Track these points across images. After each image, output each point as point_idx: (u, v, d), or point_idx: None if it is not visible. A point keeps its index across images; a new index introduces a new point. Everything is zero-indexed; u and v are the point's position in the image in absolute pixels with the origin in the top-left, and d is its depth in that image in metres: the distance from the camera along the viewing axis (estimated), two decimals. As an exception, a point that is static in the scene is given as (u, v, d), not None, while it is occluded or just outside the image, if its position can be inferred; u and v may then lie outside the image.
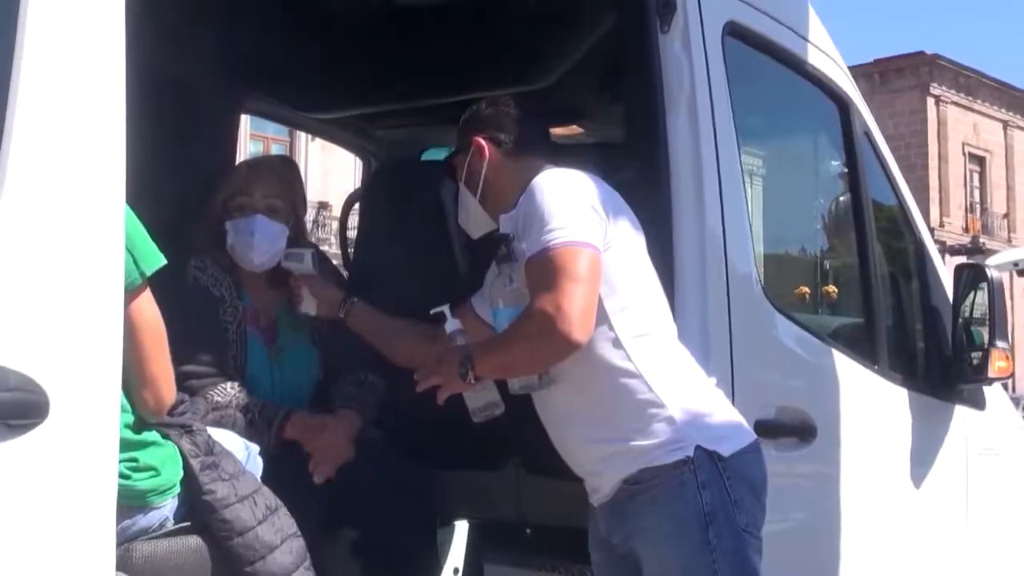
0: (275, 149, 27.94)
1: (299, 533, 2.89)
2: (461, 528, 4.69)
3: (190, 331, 3.14)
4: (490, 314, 3.15)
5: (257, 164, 3.85)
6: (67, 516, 2.01)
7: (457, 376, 2.97)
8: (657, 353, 2.97)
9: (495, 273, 3.12)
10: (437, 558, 4.44)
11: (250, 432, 3.38)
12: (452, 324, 3.18)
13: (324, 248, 4.77)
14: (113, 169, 2.12)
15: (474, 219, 3.32)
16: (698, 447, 2.88)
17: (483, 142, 3.27)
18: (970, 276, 4.29)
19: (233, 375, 3.50)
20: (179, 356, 2.73)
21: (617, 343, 2.92)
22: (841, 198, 4.36)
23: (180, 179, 3.91)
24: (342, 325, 3.71)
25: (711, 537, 2.85)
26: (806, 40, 3.96)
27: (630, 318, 2.94)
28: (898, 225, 4.46)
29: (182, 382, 2.78)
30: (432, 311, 3.20)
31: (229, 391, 3.43)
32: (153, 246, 2.49)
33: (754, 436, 3.06)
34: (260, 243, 3.56)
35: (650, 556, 2.93)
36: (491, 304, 3.12)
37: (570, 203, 2.93)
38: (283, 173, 3.76)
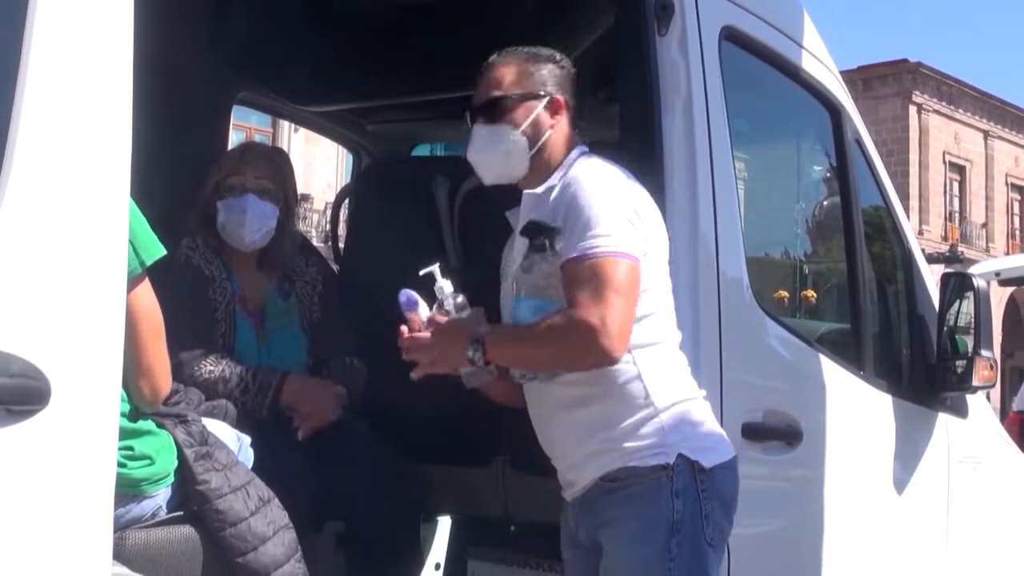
0: (258, 139, 27.84)
1: (291, 525, 2.90)
2: (444, 523, 4.70)
3: (181, 308, 3.15)
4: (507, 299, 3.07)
5: (250, 147, 3.98)
6: (65, 503, 2.01)
7: (462, 356, 2.92)
8: (661, 360, 2.98)
9: (519, 259, 3.04)
10: (420, 553, 4.46)
11: (244, 399, 3.43)
12: (444, 286, 3.04)
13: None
14: (118, 159, 2.12)
15: (502, 167, 3.11)
16: (680, 455, 2.91)
17: (563, 102, 3.13)
18: (956, 284, 4.32)
19: (222, 353, 3.55)
20: (169, 331, 2.73)
21: (628, 348, 2.90)
22: (831, 203, 4.38)
23: (172, 168, 3.93)
24: (330, 313, 3.79)
25: (673, 545, 2.87)
26: (801, 46, 3.98)
27: (647, 326, 2.95)
28: (886, 232, 4.49)
29: (172, 357, 2.75)
30: (421, 272, 3.07)
31: (220, 361, 3.47)
32: (153, 236, 2.49)
33: (734, 452, 3.07)
34: (251, 221, 3.65)
35: (611, 550, 2.95)
36: (511, 290, 3.06)
37: (618, 208, 2.91)
38: (274, 159, 3.87)
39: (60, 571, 2.00)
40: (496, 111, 3.06)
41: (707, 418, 3.06)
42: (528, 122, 3.05)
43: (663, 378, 2.97)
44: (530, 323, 2.94)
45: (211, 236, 3.69)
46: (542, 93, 3.09)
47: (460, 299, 3.00)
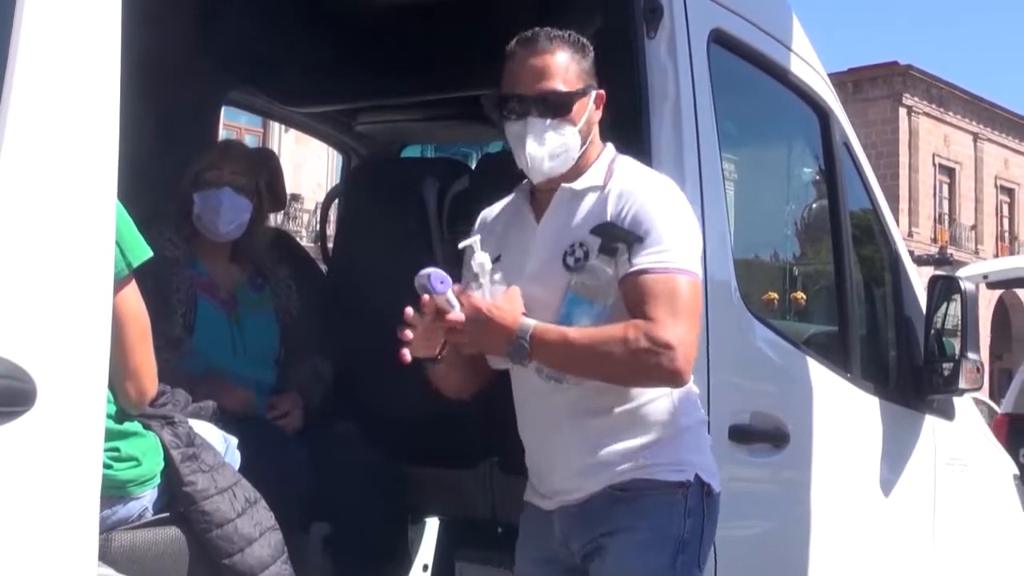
0: (248, 140, 27.75)
1: (277, 527, 2.90)
2: (432, 525, 4.70)
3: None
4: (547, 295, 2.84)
5: (230, 144, 4.25)
6: (51, 504, 2.01)
7: (501, 344, 2.76)
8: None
9: (578, 258, 2.86)
10: (408, 554, 4.46)
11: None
12: (485, 261, 2.83)
13: (293, 238, 4.82)
14: (105, 161, 2.12)
15: (555, 164, 2.92)
16: (696, 475, 2.88)
17: (603, 94, 3.00)
18: (944, 287, 4.33)
19: (181, 333, 3.66)
20: None
21: None
22: (819, 206, 4.39)
23: (161, 168, 3.93)
24: (303, 314, 3.82)
25: (678, 563, 2.85)
26: (789, 49, 3.99)
27: None
28: (874, 235, 4.50)
29: None
30: (461, 244, 2.91)
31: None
32: (140, 238, 2.50)
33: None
34: (226, 213, 3.80)
35: (616, 558, 2.87)
36: (564, 287, 2.84)
37: (688, 224, 2.86)
38: (253, 157, 4.02)
39: (45, 572, 2.00)
40: (557, 106, 2.89)
41: (708, 442, 3.04)
42: (584, 119, 2.93)
43: (687, 397, 2.94)
44: (590, 328, 2.77)
45: (186, 226, 3.83)
46: (592, 85, 2.97)
47: (498, 276, 2.83)
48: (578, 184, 2.93)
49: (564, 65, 2.91)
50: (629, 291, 2.76)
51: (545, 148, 2.89)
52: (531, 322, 2.75)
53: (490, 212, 3.15)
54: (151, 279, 3.47)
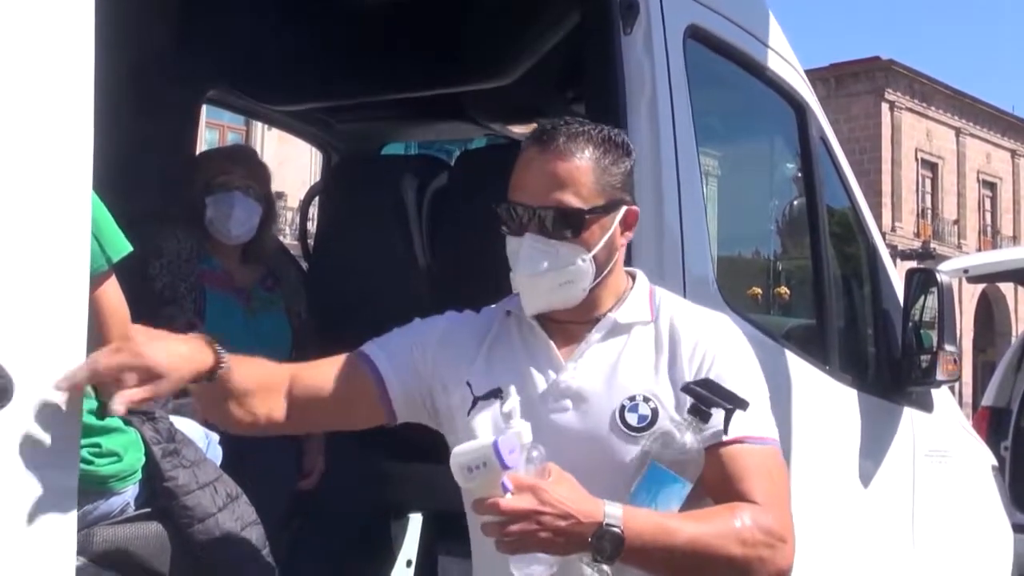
0: (231, 138, 27.75)
1: (259, 521, 2.91)
2: (415, 521, 4.71)
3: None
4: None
5: (238, 149, 4.46)
6: (30, 500, 2.02)
7: (576, 542, 2.09)
8: None
9: (643, 416, 2.30)
10: (391, 550, 4.48)
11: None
12: (524, 431, 2.17)
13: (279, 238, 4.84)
14: (80, 156, 2.13)
15: (557, 297, 2.38)
16: None
17: (637, 212, 2.45)
18: (921, 280, 4.36)
19: (191, 324, 3.63)
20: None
21: None
22: (796, 201, 4.42)
23: (141, 166, 3.95)
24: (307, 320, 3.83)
25: None
26: (765, 45, 4.01)
27: None
28: (851, 229, 4.53)
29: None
30: (504, 408, 2.28)
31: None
32: (120, 233, 2.51)
33: None
34: (239, 215, 3.89)
35: None
36: (629, 456, 2.27)
37: (763, 382, 2.43)
38: (258, 162, 4.13)
39: (25, 568, 2.01)
40: (564, 225, 2.32)
41: None
42: (603, 243, 2.36)
43: None
44: (686, 516, 2.20)
45: (194, 230, 3.89)
46: (621, 201, 2.39)
47: (537, 453, 2.17)
48: (622, 315, 2.41)
49: (583, 173, 2.32)
50: (716, 463, 2.24)
51: (543, 276, 2.35)
52: (617, 506, 2.12)
53: (457, 323, 2.55)
54: (164, 272, 3.71)
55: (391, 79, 4.44)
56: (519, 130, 4.93)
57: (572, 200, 2.31)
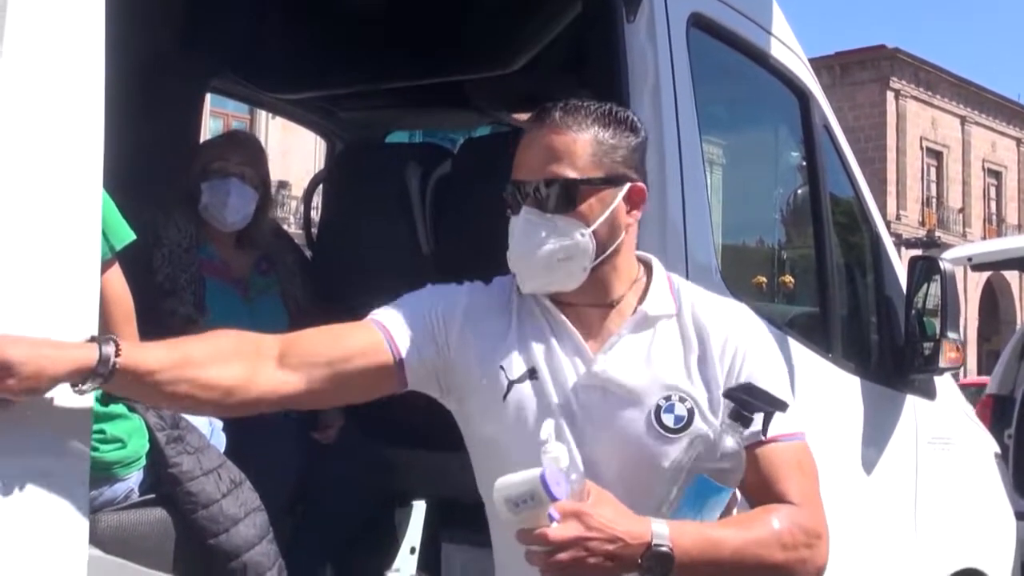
0: (235, 126, 27.68)
1: (262, 507, 2.92)
2: (419, 508, 4.72)
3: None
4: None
5: (234, 135, 4.32)
6: (41, 486, 2.03)
7: (625, 564, 2.04)
8: None
9: (680, 417, 2.23)
10: (395, 537, 4.48)
11: None
12: (561, 456, 2.03)
13: (284, 227, 4.85)
14: (90, 146, 2.14)
15: (554, 275, 2.28)
16: None
17: (644, 190, 2.33)
18: (924, 268, 4.35)
19: (193, 313, 3.68)
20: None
21: None
22: (799, 189, 4.42)
23: (145, 154, 3.95)
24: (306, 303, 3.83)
25: None
26: (768, 32, 4.01)
27: None
28: (854, 216, 4.52)
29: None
30: (543, 435, 2.09)
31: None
32: (123, 221, 2.52)
33: None
34: (235, 202, 3.85)
35: None
36: (669, 463, 2.21)
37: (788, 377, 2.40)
38: (255, 148, 4.08)
39: (37, 555, 2.03)
40: (559, 197, 2.25)
41: None
42: (603, 219, 2.26)
43: None
44: (728, 524, 2.18)
45: (192, 216, 3.86)
46: (624, 176, 2.29)
47: (575, 475, 2.06)
48: (651, 307, 2.31)
49: (580, 145, 2.25)
50: (752, 464, 2.19)
51: (537, 251, 2.25)
52: (663, 524, 2.07)
53: (478, 298, 2.40)
54: (165, 263, 3.68)
55: (394, 67, 4.44)
56: (523, 118, 4.93)
57: (568, 172, 2.24)
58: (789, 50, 4.12)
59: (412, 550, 4.73)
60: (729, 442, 2.14)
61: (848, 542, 4.11)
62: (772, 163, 4.57)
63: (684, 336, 2.30)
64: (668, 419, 2.22)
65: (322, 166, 5.68)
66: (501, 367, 2.28)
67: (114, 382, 2.07)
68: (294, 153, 27.48)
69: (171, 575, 2.69)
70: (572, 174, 2.24)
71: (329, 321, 3.68)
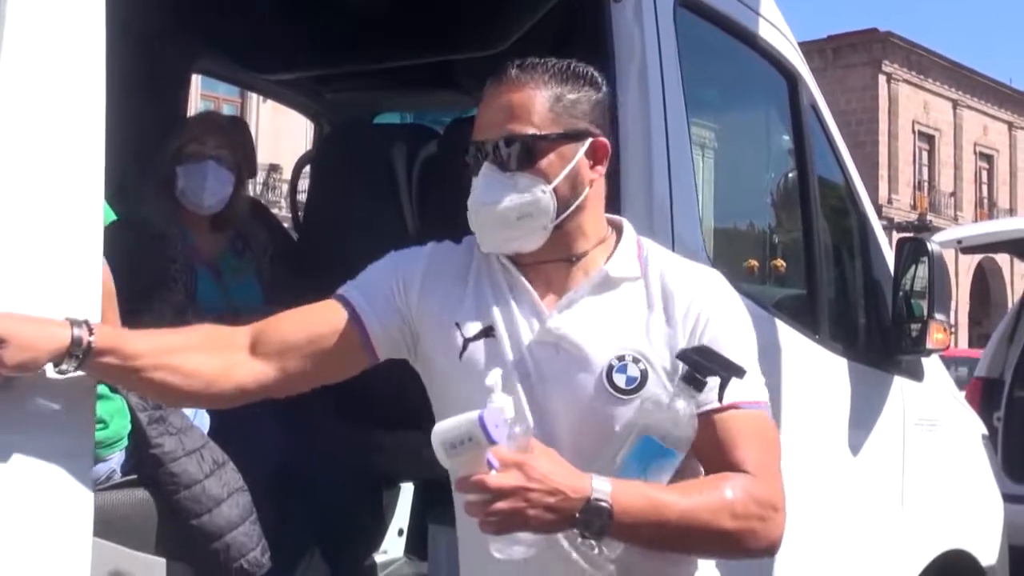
0: (226, 109, 27.69)
1: (245, 488, 2.92)
2: (406, 490, 4.72)
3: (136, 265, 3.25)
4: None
5: (209, 116, 4.19)
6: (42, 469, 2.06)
7: (562, 518, 2.01)
8: None
9: (632, 378, 2.19)
10: (382, 519, 4.49)
11: None
12: (506, 406, 2.03)
13: (275, 211, 4.83)
14: (92, 128, 2.19)
15: (513, 232, 2.25)
16: None
17: (607, 146, 2.31)
18: (911, 249, 4.35)
19: (184, 302, 3.65)
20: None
21: None
22: (787, 171, 4.41)
23: (130, 135, 3.92)
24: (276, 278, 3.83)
25: None
26: (756, 13, 3.99)
27: None
28: (842, 198, 4.52)
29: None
30: (488, 381, 2.06)
31: None
32: (104, 203, 2.50)
33: None
34: (212, 185, 3.81)
35: None
36: (616, 423, 2.17)
37: (756, 346, 2.33)
38: (231, 129, 4.02)
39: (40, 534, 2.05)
40: (518, 154, 2.22)
41: None
42: (564, 173, 2.23)
43: None
44: (674, 488, 2.11)
45: (168, 200, 3.81)
46: (584, 131, 2.26)
47: (520, 428, 2.03)
48: (614, 268, 2.28)
49: (537, 101, 2.23)
50: (708, 430, 2.14)
51: (495, 208, 2.22)
52: (605, 480, 2.03)
53: (438, 258, 2.40)
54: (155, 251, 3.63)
55: (381, 48, 4.42)
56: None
57: (526, 128, 2.21)
58: (777, 31, 4.11)
59: (400, 532, 4.75)
60: (680, 404, 2.09)
61: (834, 523, 4.12)
62: (760, 145, 4.56)
63: (649, 298, 2.26)
64: (620, 379, 2.17)
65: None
66: (456, 325, 2.26)
67: (90, 365, 2.06)
68: (285, 136, 27.41)
69: (154, 556, 2.69)
70: (530, 130, 2.21)
71: (309, 301, 3.67)
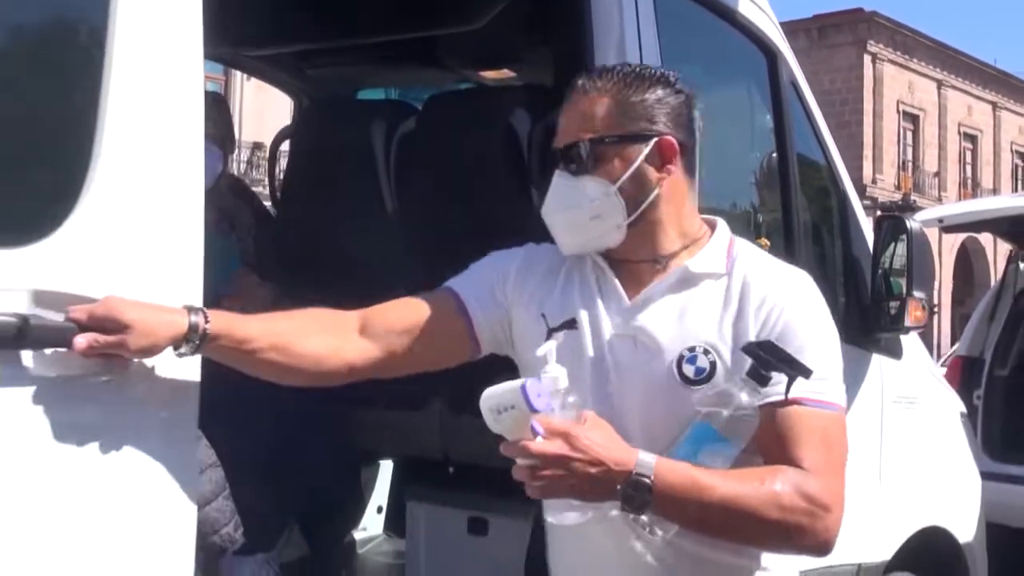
0: (210, 87, 27.60)
1: (218, 463, 2.92)
2: (385, 467, 4.73)
3: None
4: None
5: None
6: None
7: (605, 490, 2.07)
8: None
9: (701, 369, 2.25)
10: (361, 496, 4.49)
11: None
12: (560, 376, 2.09)
13: (257, 190, 4.82)
14: (194, 114, 2.37)
15: (589, 233, 2.38)
16: None
17: (676, 144, 2.37)
18: (890, 227, 4.35)
19: None
20: None
21: None
22: (767, 149, 4.40)
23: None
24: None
25: None
26: (735, -11, 3.99)
27: None
28: (822, 176, 4.52)
29: None
30: (539, 352, 2.14)
31: None
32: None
33: None
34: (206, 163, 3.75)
35: None
36: (682, 410, 2.20)
37: (838, 349, 2.35)
38: (214, 106, 3.97)
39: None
40: (582, 158, 2.34)
41: None
42: (627, 174, 2.33)
43: None
44: (723, 474, 2.13)
45: None
46: (647, 132, 2.35)
47: (573, 398, 2.11)
48: (695, 264, 2.35)
49: (598, 106, 2.36)
50: (770, 423, 2.18)
51: (565, 213, 2.37)
52: (651, 456, 2.08)
53: (534, 254, 2.53)
54: None
55: (359, 23, 4.39)
56: (490, 75, 4.90)
57: (588, 134, 2.34)
58: (757, 7, 4.10)
59: (379, 509, 4.76)
60: (742, 396, 2.13)
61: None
62: (740, 123, 4.54)
63: (728, 295, 2.31)
64: (689, 370, 2.24)
65: (294, 127, 5.62)
66: (543, 316, 2.38)
67: (207, 349, 2.20)
68: (269, 112, 27.31)
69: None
70: (590, 135, 2.33)
71: (294, 276, 3.68)
